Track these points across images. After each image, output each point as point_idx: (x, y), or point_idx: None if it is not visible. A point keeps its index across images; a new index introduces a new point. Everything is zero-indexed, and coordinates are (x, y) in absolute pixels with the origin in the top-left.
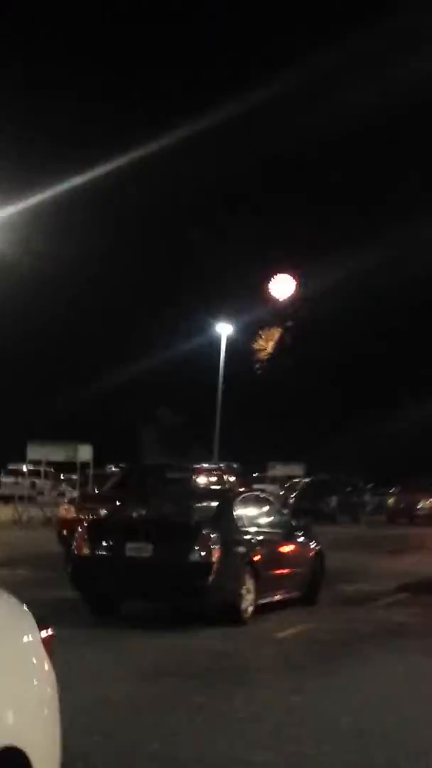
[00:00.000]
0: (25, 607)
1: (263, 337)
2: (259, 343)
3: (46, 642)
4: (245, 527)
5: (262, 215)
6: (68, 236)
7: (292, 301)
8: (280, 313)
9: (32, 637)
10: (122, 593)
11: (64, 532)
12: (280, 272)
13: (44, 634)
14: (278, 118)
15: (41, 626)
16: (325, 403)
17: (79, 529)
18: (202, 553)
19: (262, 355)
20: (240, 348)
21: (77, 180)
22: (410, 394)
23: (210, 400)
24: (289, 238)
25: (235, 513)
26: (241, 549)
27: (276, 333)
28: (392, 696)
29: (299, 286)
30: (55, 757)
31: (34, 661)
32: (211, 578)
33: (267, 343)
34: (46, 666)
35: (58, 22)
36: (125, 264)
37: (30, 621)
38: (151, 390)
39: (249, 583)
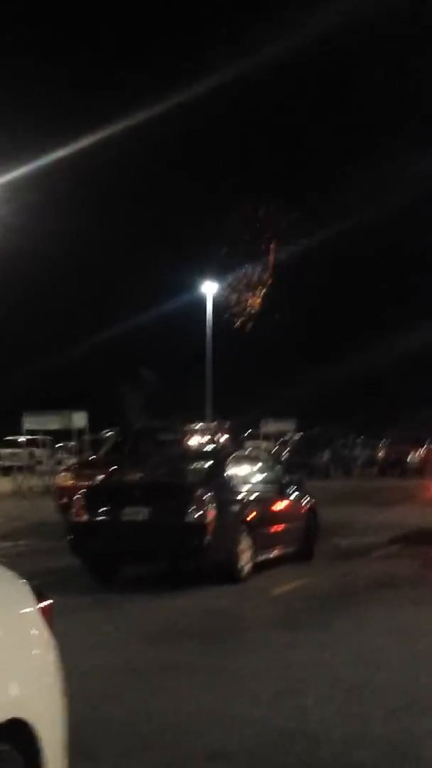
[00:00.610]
0: (22, 580)
1: (248, 292)
2: (243, 300)
3: (45, 612)
4: (239, 486)
5: (243, 170)
6: (50, 202)
7: (274, 253)
8: (263, 268)
9: (31, 608)
10: (121, 557)
11: (64, 499)
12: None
13: (43, 604)
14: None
15: (40, 597)
16: (312, 357)
17: (76, 496)
18: (198, 514)
19: (249, 310)
20: (224, 306)
21: (57, 154)
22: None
23: (198, 359)
24: (266, 189)
25: (228, 472)
26: (236, 508)
27: (260, 288)
28: (389, 648)
29: (277, 239)
30: (60, 725)
31: (34, 632)
32: (207, 538)
33: (254, 300)
34: (47, 636)
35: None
36: (108, 228)
37: (27, 592)
38: (139, 352)
39: (245, 542)
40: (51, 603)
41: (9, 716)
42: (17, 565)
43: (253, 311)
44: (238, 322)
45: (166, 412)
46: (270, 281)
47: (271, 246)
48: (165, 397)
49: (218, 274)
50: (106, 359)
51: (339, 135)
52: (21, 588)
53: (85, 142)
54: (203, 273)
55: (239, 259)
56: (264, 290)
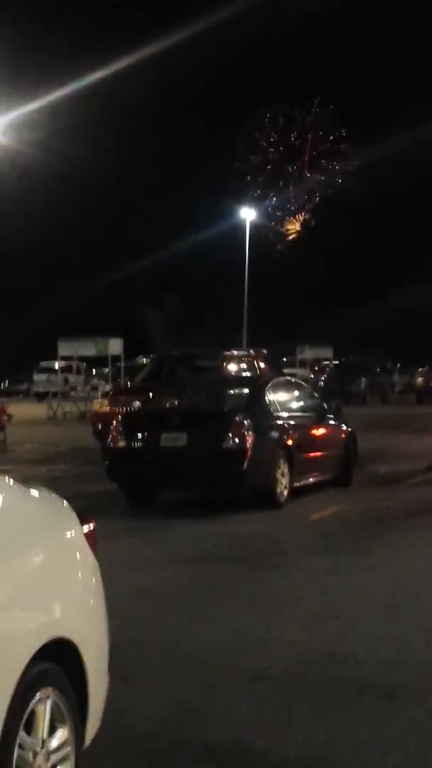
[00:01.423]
0: (66, 503)
1: (290, 219)
2: (288, 226)
3: (88, 536)
4: (277, 412)
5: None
6: (84, 133)
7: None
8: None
9: (75, 531)
10: (158, 483)
11: (99, 426)
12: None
13: (86, 528)
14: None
15: (83, 520)
16: (349, 284)
17: (114, 423)
18: (236, 440)
19: (290, 236)
20: (263, 233)
21: (92, 77)
22: None
23: (236, 287)
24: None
25: (266, 399)
26: (274, 434)
27: (301, 216)
28: (427, 573)
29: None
30: (103, 645)
31: (78, 555)
32: (245, 464)
33: (294, 225)
34: (90, 559)
35: None
36: (144, 156)
37: (72, 516)
38: (176, 280)
39: (283, 468)
40: (95, 526)
41: (54, 635)
42: (52, 489)
43: (292, 237)
44: (278, 248)
45: (190, 337)
46: (308, 206)
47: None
48: (187, 322)
49: (257, 200)
50: (143, 288)
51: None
52: (65, 511)
53: (121, 65)
54: (241, 199)
55: (257, 175)
56: (304, 215)
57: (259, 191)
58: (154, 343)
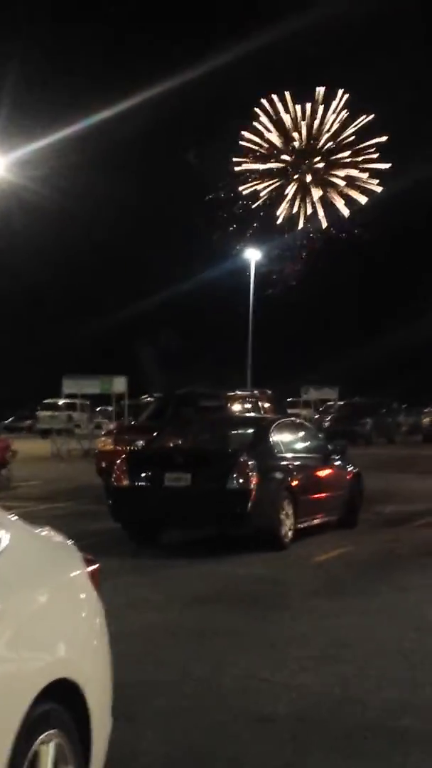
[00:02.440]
0: (70, 543)
1: (293, 256)
2: (285, 267)
3: (93, 576)
4: (282, 453)
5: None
6: (88, 171)
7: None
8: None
9: (79, 571)
10: (162, 522)
11: (103, 464)
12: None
13: (91, 568)
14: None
15: (87, 560)
16: (354, 325)
17: (118, 461)
18: (241, 480)
19: (291, 277)
20: (266, 274)
21: (100, 116)
22: None
23: (239, 327)
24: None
25: (271, 439)
26: (279, 474)
27: (301, 255)
28: None
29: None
30: (107, 686)
31: (82, 595)
32: (250, 504)
33: (296, 267)
34: (94, 599)
35: None
36: (150, 198)
37: (76, 556)
38: (181, 319)
39: (287, 509)
40: (98, 566)
41: (58, 676)
42: (55, 527)
43: (294, 279)
44: (279, 289)
45: (192, 375)
46: (313, 247)
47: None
48: (190, 361)
49: (261, 242)
50: (148, 325)
51: None
52: (70, 551)
53: (124, 105)
54: (245, 241)
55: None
56: (306, 256)
57: (251, 232)
58: (149, 379)
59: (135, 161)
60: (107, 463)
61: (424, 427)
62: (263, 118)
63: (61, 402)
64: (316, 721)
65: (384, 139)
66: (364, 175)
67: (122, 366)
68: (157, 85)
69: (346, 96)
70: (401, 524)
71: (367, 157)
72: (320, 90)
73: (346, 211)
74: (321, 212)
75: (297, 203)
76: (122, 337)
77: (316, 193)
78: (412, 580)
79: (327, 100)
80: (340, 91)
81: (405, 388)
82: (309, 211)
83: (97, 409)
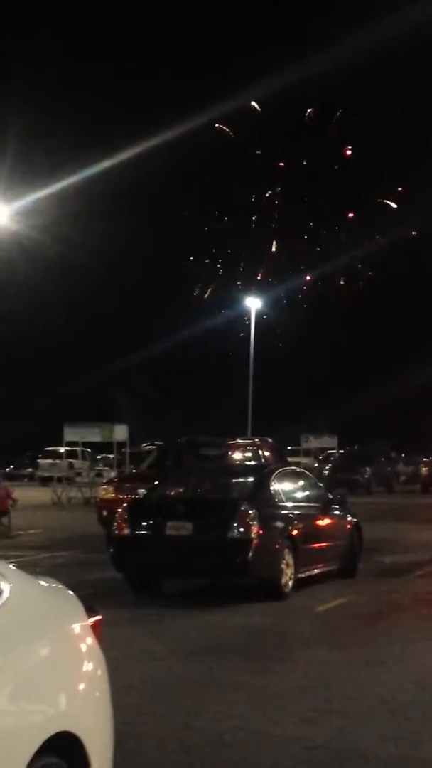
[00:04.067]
0: (72, 594)
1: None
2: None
3: (94, 627)
4: (282, 502)
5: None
6: (90, 219)
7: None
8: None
9: (81, 623)
10: (163, 572)
11: (104, 512)
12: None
13: (92, 619)
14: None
15: (90, 612)
16: (352, 373)
17: (119, 510)
18: (241, 530)
19: (289, 327)
20: (266, 323)
21: (101, 166)
22: None
23: (239, 375)
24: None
25: (271, 488)
26: (280, 524)
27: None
28: None
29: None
30: (108, 739)
31: (84, 647)
32: (250, 554)
33: (293, 317)
34: (96, 651)
35: (83, 13)
36: (149, 245)
37: (78, 607)
38: (181, 368)
39: (288, 558)
40: (101, 618)
41: (58, 729)
42: (56, 576)
43: (292, 328)
44: (280, 339)
45: (159, 418)
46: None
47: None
48: (158, 404)
49: (261, 291)
50: (149, 374)
51: None
52: (72, 602)
53: (126, 154)
54: (246, 289)
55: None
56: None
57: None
58: (125, 416)
59: (136, 209)
60: (108, 512)
61: (423, 476)
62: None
63: (62, 450)
64: None
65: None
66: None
67: (123, 414)
68: (157, 136)
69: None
70: (401, 574)
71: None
72: None
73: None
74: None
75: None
76: (123, 386)
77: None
78: (411, 631)
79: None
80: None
81: (403, 436)
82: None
83: (98, 457)
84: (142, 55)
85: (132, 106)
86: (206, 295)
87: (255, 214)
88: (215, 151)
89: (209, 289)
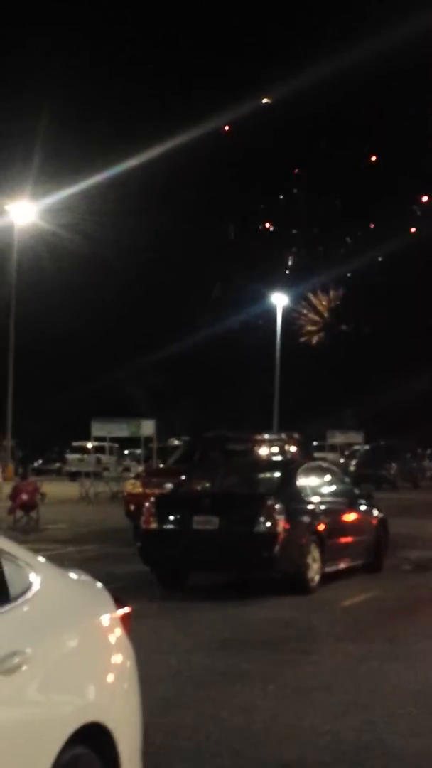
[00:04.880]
0: (101, 586)
1: (317, 304)
2: (312, 313)
3: (123, 619)
4: (308, 497)
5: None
6: (119, 218)
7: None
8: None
9: (110, 615)
10: (190, 566)
11: (132, 507)
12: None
13: (121, 612)
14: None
15: (118, 604)
16: (380, 369)
17: (146, 504)
18: (268, 524)
19: (316, 323)
20: (291, 318)
21: (128, 164)
22: None
23: (265, 370)
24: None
25: (298, 483)
26: (306, 519)
27: (326, 300)
28: None
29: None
30: (136, 730)
31: (113, 639)
32: (277, 549)
33: (320, 311)
34: (125, 643)
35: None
36: (177, 243)
37: (107, 599)
38: (207, 364)
39: (315, 553)
40: (129, 610)
41: (88, 720)
42: (84, 570)
43: (322, 324)
44: (307, 335)
45: (174, 414)
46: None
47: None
48: (173, 400)
49: (288, 287)
50: (175, 370)
51: None
52: (101, 594)
53: (154, 152)
54: (273, 285)
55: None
56: (333, 302)
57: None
58: (140, 408)
59: (164, 207)
60: (136, 506)
61: None
62: None
63: (89, 445)
64: None
65: None
66: None
67: (151, 409)
68: (186, 133)
69: None
70: (427, 570)
71: None
72: None
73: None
74: None
75: None
76: (152, 381)
77: None
78: None
79: None
80: None
81: (429, 432)
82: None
83: (126, 452)
84: (173, 53)
85: (161, 104)
86: (229, 292)
87: (279, 213)
88: (243, 149)
89: (234, 287)
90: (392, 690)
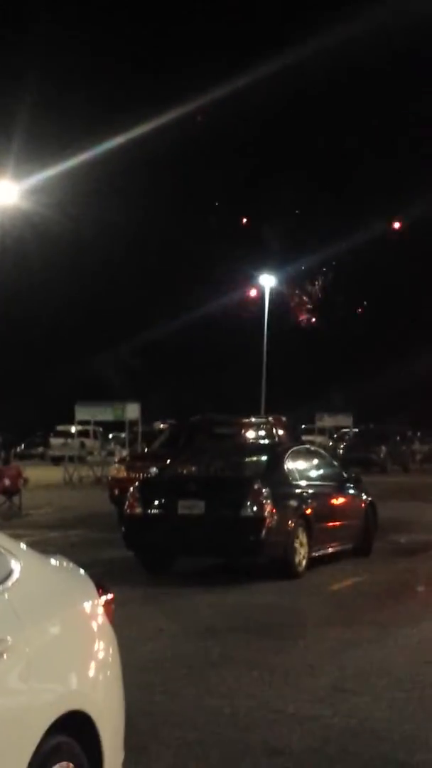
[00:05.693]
0: (83, 573)
1: (308, 288)
2: (303, 297)
3: (106, 606)
4: (296, 481)
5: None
6: (104, 198)
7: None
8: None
9: (92, 602)
10: (175, 551)
11: (116, 492)
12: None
13: (104, 598)
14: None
15: (101, 591)
16: (369, 351)
17: (131, 489)
18: (254, 508)
19: (307, 306)
20: (281, 300)
21: (113, 142)
22: None
23: (252, 353)
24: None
25: (285, 467)
26: (293, 502)
27: (318, 283)
28: None
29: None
30: (119, 718)
31: (95, 626)
32: (263, 533)
33: (310, 292)
34: (108, 629)
35: None
36: (161, 224)
37: (90, 586)
38: (195, 346)
39: (302, 537)
40: (112, 597)
41: (69, 708)
42: (67, 555)
43: (311, 306)
44: (298, 317)
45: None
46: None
47: None
48: (155, 381)
49: (276, 268)
50: (161, 353)
51: None
52: (83, 581)
53: (138, 131)
54: (261, 266)
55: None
56: (322, 285)
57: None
58: (115, 385)
59: (149, 187)
60: (120, 491)
61: None
62: None
63: (73, 429)
64: (328, 754)
65: None
66: None
67: (134, 392)
68: (170, 111)
69: None
70: (416, 554)
71: None
72: None
73: None
74: None
75: None
76: (137, 363)
77: None
78: (426, 610)
79: None
80: None
81: (419, 415)
82: None
83: (110, 436)
84: (157, 29)
85: (145, 81)
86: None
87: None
88: (230, 127)
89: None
90: (379, 675)
